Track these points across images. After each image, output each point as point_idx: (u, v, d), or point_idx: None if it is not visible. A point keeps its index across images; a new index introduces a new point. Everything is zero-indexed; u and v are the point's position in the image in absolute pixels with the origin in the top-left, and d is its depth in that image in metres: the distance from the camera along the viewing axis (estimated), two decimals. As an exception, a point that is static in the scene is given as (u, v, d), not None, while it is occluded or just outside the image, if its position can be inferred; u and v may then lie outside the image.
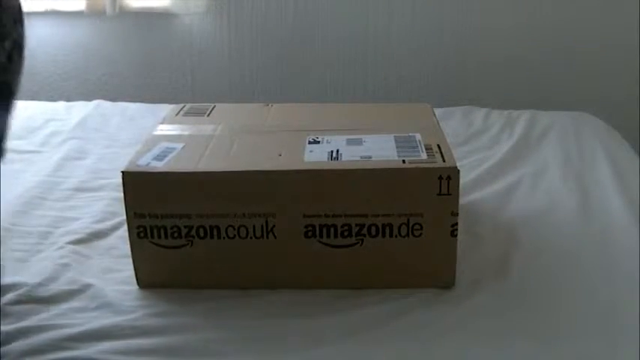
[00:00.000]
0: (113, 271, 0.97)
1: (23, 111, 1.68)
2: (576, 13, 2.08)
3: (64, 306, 0.89)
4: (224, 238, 0.90)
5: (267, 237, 0.90)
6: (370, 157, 0.92)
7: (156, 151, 0.96)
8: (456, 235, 0.91)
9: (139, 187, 0.90)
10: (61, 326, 0.84)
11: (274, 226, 0.90)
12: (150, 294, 0.92)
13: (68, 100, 1.85)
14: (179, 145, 0.97)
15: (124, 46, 2.15)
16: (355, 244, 0.90)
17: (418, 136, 0.99)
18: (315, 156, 0.93)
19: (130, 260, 0.94)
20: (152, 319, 0.87)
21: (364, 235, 0.90)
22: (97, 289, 0.92)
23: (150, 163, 0.92)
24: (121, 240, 1.03)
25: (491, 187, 1.24)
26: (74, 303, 0.89)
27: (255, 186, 0.90)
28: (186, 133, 1.04)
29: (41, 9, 2.05)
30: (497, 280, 0.96)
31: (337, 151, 0.94)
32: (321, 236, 0.90)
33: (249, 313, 0.88)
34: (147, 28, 2.13)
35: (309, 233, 0.90)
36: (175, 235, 0.91)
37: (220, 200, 0.90)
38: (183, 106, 1.17)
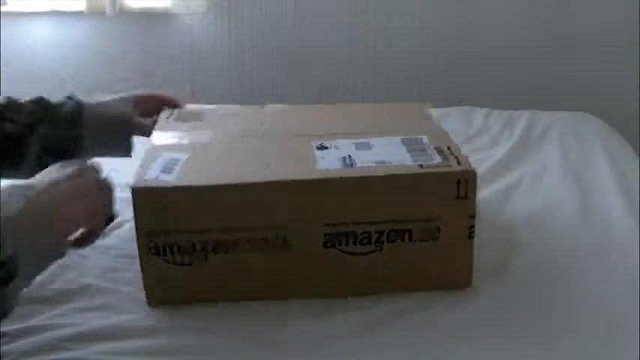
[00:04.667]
0: (113, 271, 0.97)
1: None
2: (576, 13, 2.08)
3: (64, 306, 0.89)
4: (238, 251, 0.87)
5: (284, 248, 0.87)
6: (384, 162, 0.90)
7: (160, 162, 0.91)
8: (473, 237, 0.91)
9: (151, 203, 0.85)
10: (61, 326, 0.84)
11: (292, 236, 0.87)
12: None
13: (68, 100, 1.86)
14: (183, 156, 0.92)
15: (124, 46, 2.15)
16: (374, 250, 0.89)
17: (425, 139, 0.98)
18: (328, 163, 0.91)
19: (131, 260, 0.93)
20: (153, 320, 0.86)
21: (383, 242, 0.89)
22: (97, 289, 0.92)
23: (159, 176, 0.87)
24: (121, 240, 1.03)
25: (491, 187, 1.24)
26: (74, 303, 0.89)
27: (272, 197, 0.87)
28: (185, 141, 0.99)
29: (41, 9, 2.05)
30: (496, 280, 0.95)
31: (349, 157, 0.92)
32: (340, 245, 0.88)
33: (259, 318, 0.88)
34: (147, 28, 2.13)
35: (328, 243, 0.88)
36: (189, 251, 0.86)
37: (236, 213, 0.87)
38: (172, 111, 1.11)
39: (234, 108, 1.36)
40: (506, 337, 0.84)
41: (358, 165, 0.90)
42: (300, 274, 0.90)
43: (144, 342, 0.81)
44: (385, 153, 0.94)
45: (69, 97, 1.02)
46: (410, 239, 0.89)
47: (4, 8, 2.01)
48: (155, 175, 0.87)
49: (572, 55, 2.11)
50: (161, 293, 0.89)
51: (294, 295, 0.90)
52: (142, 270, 0.88)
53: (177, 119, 1.08)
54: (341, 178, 0.88)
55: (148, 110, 1.08)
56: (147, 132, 1.03)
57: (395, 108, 1.22)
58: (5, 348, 0.79)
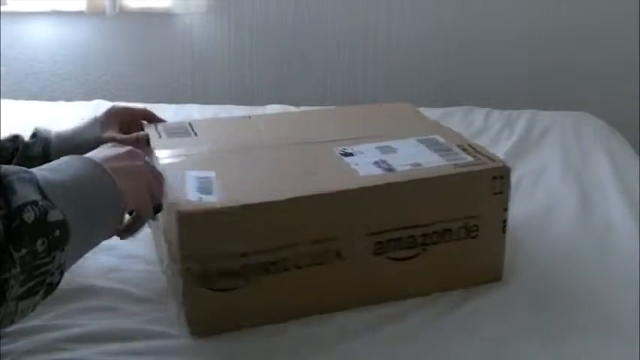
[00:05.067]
0: (114, 271, 0.97)
1: (23, 111, 1.69)
2: (576, 13, 2.08)
3: (65, 306, 0.88)
4: (286, 270, 0.83)
5: (334, 261, 0.85)
6: (420, 165, 0.90)
7: (192, 182, 0.84)
8: (505, 231, 0.93)
9: (198, 228, 0.78)
10: (62, 327, 0.84)
11: (343, 248, 0.85)
12: (151, 296, 0.91)
13: (68, 100, 1.86)
14: (210, 173, 0.86)
15: (124, 46, 2.15)
16: (419, 254, 0.89)
17: (440, 138, 0.99)
18: (366, 169, 0.89)
19: (132, 260, 0.93)
20: (154, 321, 0.86)
21: (427, 244, 0.89)
22: (98, 289, 0.92)
23: (202, 198, 0.80)
24: (122, 240, 1.03)
25: (491, 187, 1.24)
26: (75, 304, 0.89)
27: (324, 208, 0.83)
28: (195, 156, 0.94)
29: (41, 9, 2.05)
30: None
31: (382, 161, 0.91)
32: (389, 251, 0.87)
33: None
34: (147, 28, 2.13)
35: (379, 250, 0.87)
36: (235, 276, 0.81)
37: (286, 228, 0.82)
38: (156, 126, 1.04)
39: (215, 119, 1.33)
40: (506, 337, 0.84)
41: (398, 169, 0.89)
42: (352, 286, 0.87)
43: (145, 344, 0.81)
44: (413, 155, 0.94)
45: (34, 135, 0.97)
46: (451, 239, 0.90)
47: (4, 8, 2.01)
48: (197, 197, 0.80)
49: (572, 55, 2.11)
50: (205, 323, 0.83)
51: (343, 307, 0.87)
52: (184, 301, 0.81)
53: (168, 134, 1.02)
54: (392, 183, 0.86)
55: (125, 124, 1.04)
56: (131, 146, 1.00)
57: (384, 109, 1.22)
58: (5, 348, 0.79)
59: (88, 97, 1.92)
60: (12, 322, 0.58)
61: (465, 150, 0.95)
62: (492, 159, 0.92)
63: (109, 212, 0.67)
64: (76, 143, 0.96)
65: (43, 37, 2.12)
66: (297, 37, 2.13)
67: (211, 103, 1.81)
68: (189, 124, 1.06)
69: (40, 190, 0.58)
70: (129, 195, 0.69)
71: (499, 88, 2.12)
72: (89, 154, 0.71)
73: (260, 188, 0.85)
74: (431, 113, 1.27)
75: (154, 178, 0.77)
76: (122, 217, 0.70)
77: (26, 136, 0.99)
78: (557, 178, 1.30)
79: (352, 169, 0.89)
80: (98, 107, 1.72)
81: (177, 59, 2.15)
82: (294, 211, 0.82)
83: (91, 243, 0.68)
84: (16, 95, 1.90)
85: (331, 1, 2.09)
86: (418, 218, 0.88)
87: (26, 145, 0.96)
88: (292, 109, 1.72)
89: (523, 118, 1.62)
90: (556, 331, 0.84)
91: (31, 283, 0.56)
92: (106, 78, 2.16)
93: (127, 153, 0.74)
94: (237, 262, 0.81)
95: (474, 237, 0.90)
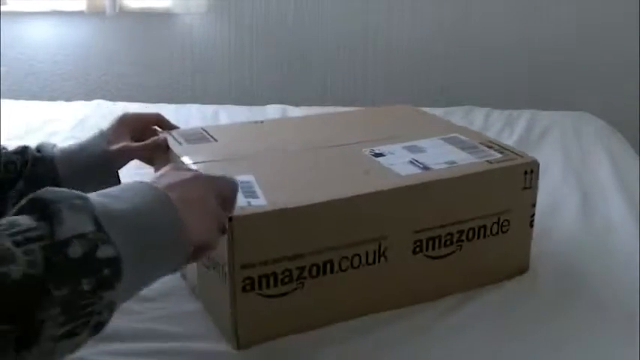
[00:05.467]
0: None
1: (23, 111, 1.69)
2: (576, 13, 2.08)
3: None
4: (337, 272, 0.81)
5: (379, 261, 0.84)
6: (455, 163, 0.90)
7: None
8: (533, 225, 0.95)
9: (250, 232, 0.76)
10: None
11: (386, 248, 0.84)
12: (152, 295, 0.91)
13: (68, 100, 1.86)
14: (249, 177, 0.84)
15: (124, 46, 2.15)
16: (454, 251, 0.89)
17: (461, 136, 1.00)
18: (404, 168, 0.88)
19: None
20: (156, 321, 0.86)
21: (463, 241, 0.89)
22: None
23: (250, 202, 0.78)
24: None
25: (491, 187, 1.24)
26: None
27: (367, 210, 0.82)
28: (228, 163, 0.91)
29: (41, 9, 2.05)
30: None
31: (416, 160, 0.91)
32: (427, 250, 0.87)
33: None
34: (147, 28, 2.13)
35: (417, 249, 0.86)
36: (286, 280, 0.79)
37: (333, 231, 0.81)
38: (171, 133, 1.00)
39: (227, 125, 1.28)
40: (507, 337, 0.84)
41: (435, 168, 0.89)
42: (393, 285, 0.87)
43: (146, 344, 0.81)
44: (443, 153, 0.94)
45: (38, 150, 0.92)
46: (484, 235, 0.90)
47: (4, 8, 2.01)
48: (245, 202, 0.77)
49: (572, 55, 2.11)
50: (253, 331, 0.80)
51: (385, 308, 0.87)
52: (232, 309, 0.79)
53: (187, 141, 0.98)
54: (438, 180, 0.86)
55: (138, 132, 0.99)
56: (144, 154, 0.97)
57: (388, 111, 1.22)
58: (6, 348, 0.78)
59: (88, 97, 1.92)
60: None
61: (490, 147, 0.96)
62: (519, 154, 0.93)
63: (172, 250, 0.60)
64: (83, 158, 0.93)
65: (43, 37, 2.13)
66: (297, 37, 2.13)
67: (211, 103, 1.81)
68: (204, 130, 1.04)
69: (96, 220, 0.51)
70: (194, 229, 0.61)
71: (499, 88, 2.12)
72: (152, 180, 0.64)
73: (305, 190, 0.83)
74: (431, 113, 1.27)
75: (225, 198, 0.69)
76: (187, 256, 0.62)
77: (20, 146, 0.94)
78: (557, 178, 1.30)
79: (390, 169, 0.89)
80: (98, 107, 1.72)
81: (177, 59, 2.15)
82: (348, 210, 0.81)
83: (149, 280, 0.60)
84: (16, 95, 1.90)
85: (331, 2, 2.10)
86: (457, 215, 0.88)
87: (35, 159, 0.91)
88: (292, 109, 1.72)
89: (523, 118, 1.62)
90: (556, 330, 0.84)
91: (74, 324, 0.49)
92: (106, 78, 2.17)
93: (193, 179, 0.66)
94: (289, 265, 0.79)
95: (505, 232, 0.92)
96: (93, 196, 0.54)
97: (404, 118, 1.16)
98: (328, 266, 0.81)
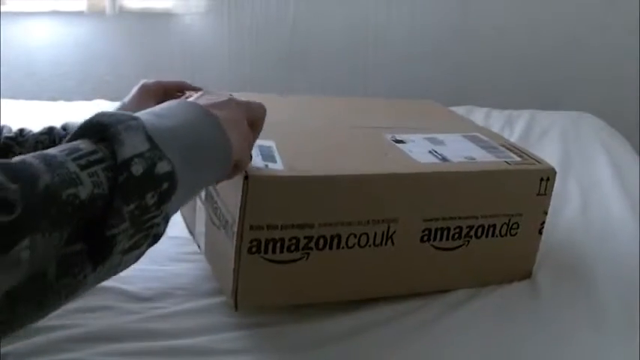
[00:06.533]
0: (114, 271, 0.97)
1: (23, 111, 1.69)
2: (577, 13, 2.09)
3: (65, 307, 0.88)
4: (343, 247, 0.81)
5: (386, 244, 0.83)
6: (474, 159, 0.90)
7: (254, 149, 0.79)
8: (542, 233, 0.94)
9: (263, 194, 0.75)
10: (62, 327, 0.84)
11: (395, 232, 0.83)
12: (152, 295, 0.91)
13: (68, 100, 1.86)
14: (270, 142, 0.83)
15: (124, 46, 2.15)
16: (461, 245, 0.89)
17: (482, 136, 1.00)
18: (423, 157, 0.88)
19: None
20: (155, 321, 0.86)
21: (471, 237, 0.89)
22: (99, 289, 0.92)
23: (268, 165, 0.77)
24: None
25: (491, 187, 1.24)
26: (75, 304, 0.89)
27: (381, 190, 0.82)
28: None
29: (41, 9, 2.06)
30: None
31: (435, 151, 0.91)
32: (434, 240, 0.87)
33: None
34: (147, 28, 2.13)
35: (425, 237, 0.86)
36: (292, 248, 0.79)
37: (345, 206, 0.80)
38: (197, 94, 1.05)
39: (250, 94, 1.31)
40: (507, 337, 0.84)
41: (453, 160, 0.89)
42: (397, 270, 0.87)
43: (146, 344, 0.81)
44: (463, 149, 0.94)
45: (64, 128, 0.95)
46: (493, 235, 0.90)
47: (4, 8, 2.01)
48: (262, 164, 0.77)
49: (572, 55, 2.12)
50: (253, 295, 0.81)
51: (388, 292, 0.87)
52: (236, 269, 0.78)
53: None
54: (455, 172, 0.86)
55: (159, 99, 0.99)
56: None
57: (414, 104, 1.22)
58: (6, 349, 0.79)
59: (88, 97, 1.92)
60: (115, 274, 0.56)
61: (510, 149, 0.96)
62: (538, 160, 0.93)
63: (218, 163, 0.64)
64: None
65: (43, 37, 2.13)
66: (296, 36, 2.13)
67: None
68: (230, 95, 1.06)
69: (149, 138, 0.53)
70: (234, 147, 0.65)
71: (499, 88, 2.12)
72: (191, 100, 0.66)
73: (323, 161, 0.83)
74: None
75: (254, 120, 0.72)
76: (228, 171, 0.66)
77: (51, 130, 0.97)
78: (557, 178, 1.29)
79: (409, 155, 0.88)
80: (98, 107, 1.72)
81: (177, 59, 2.15)
82: (363, 187, 0.81)
83: (195, 192, 0.64)
84: (16, 95, 1.90)
85: (331, 2, 2.10)
86: (469, 210, 0.88)
87: (61, 138, 0.93)
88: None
89: (523, 118, 1.62)
90: (556, 330, 0.84)
91: (139, 236, 0.53)
92: (106, 78, 2.17)
93: (228, 101, 0.68)
94: (297, 234, 0.78)
95: (513, 235, 0.91)
96: (141, 114, 0.57)
97: (427, 111, 1.16)
98: (335, 240, 0.80)
